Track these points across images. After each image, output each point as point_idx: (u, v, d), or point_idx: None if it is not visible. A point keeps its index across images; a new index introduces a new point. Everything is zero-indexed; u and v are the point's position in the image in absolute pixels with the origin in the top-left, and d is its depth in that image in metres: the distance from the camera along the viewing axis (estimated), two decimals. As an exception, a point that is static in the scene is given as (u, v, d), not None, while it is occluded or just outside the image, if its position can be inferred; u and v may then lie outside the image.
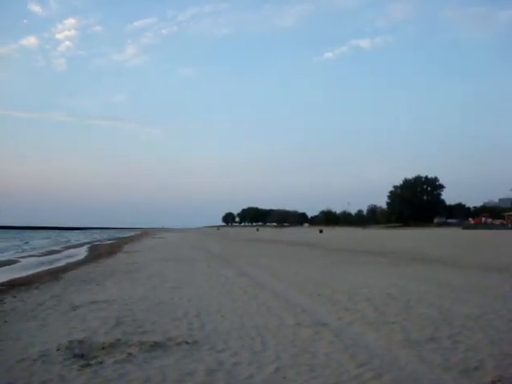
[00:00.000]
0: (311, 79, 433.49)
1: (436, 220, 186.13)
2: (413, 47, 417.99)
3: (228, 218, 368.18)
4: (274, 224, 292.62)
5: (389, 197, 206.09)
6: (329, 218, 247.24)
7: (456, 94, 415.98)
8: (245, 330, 10.47)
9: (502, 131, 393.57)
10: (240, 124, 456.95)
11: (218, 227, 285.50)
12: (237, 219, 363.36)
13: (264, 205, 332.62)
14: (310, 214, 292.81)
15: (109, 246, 66.18)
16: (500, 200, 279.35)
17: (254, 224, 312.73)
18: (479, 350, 8.53)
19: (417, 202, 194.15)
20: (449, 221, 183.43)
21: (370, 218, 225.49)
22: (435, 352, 8.45)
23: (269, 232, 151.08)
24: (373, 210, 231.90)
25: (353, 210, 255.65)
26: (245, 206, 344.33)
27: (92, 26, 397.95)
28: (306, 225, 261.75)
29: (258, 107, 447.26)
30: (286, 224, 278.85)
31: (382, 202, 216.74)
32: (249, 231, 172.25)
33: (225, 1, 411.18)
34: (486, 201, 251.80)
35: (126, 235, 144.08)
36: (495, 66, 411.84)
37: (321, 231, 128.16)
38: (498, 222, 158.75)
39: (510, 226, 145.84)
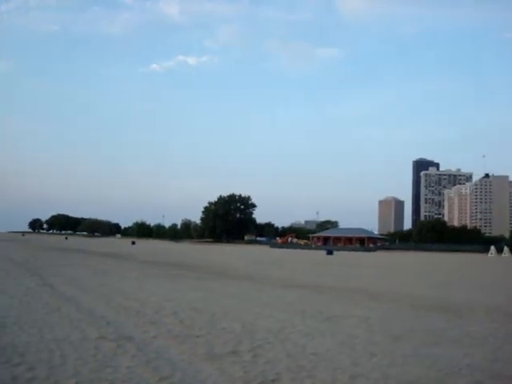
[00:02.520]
0: (135, 89, 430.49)
1: (247, 237, 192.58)
2: (237, 71, 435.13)
3: (35, 225, 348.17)
4: (85, 233, 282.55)
5: (203, 212, 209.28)
6: (142, 230, 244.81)
7: (273, 119, 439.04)
8: (44, 343, 9.88)
9: (315, 159, 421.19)
10: (60, 127, 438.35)
11: (23, 233, 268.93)
12: (45, 226, 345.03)
13: (75, 213, 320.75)
14: (123, 225, 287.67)
15: None
16: (306, 222, 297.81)
17: (64, 232, 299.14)
18: (277, 363, 8.88)
19: (230, 219, 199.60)
20: (258, 239, 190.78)
21: (184, 232, 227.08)
22: (236, 365, 8.64)
23: (78, 241, 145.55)
24: (187, 225, 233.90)
25: (167, 223, 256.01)
26: (54, 213, 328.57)
27: None
28: (119, 236, 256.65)
29: (75, 111, 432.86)
30: (97, 234, 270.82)
31: (197, 217, 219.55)
32: (57, 239, 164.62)
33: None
34: (294, 221, 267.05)
35: None
36: (314, 97, 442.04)
37: (133, 243, 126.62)
38: (302, 241, 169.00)
39: (313, 246, 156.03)
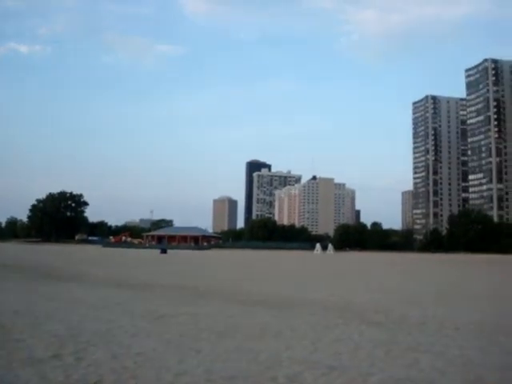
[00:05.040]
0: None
1: (78, 237, 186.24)
2: (72, 62, 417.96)
3: None
4: None
5: (31, 210, 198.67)
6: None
7: (112, 116, 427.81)
8: None
9: (149, 157, 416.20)
10: None
11: None
12: None
13: None
14: None
15: None
16: (141, 220, 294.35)
17: None
18: (101, 365, 8.72)
19: (59, 218, 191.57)
20: (90, 238, 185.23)
21: (10, 231, 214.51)
22: (58, 369, 8.36)
23: None
24: (12, 223, 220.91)
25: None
26: None
27: None
28: None
29: None
30: None
31: (24, 215, 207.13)
32: None
33: None
34: (128, 220, 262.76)
35: None
36: (151, 91, 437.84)
37: None
38: (136, 240, 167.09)
39: (147, 244, 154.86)
